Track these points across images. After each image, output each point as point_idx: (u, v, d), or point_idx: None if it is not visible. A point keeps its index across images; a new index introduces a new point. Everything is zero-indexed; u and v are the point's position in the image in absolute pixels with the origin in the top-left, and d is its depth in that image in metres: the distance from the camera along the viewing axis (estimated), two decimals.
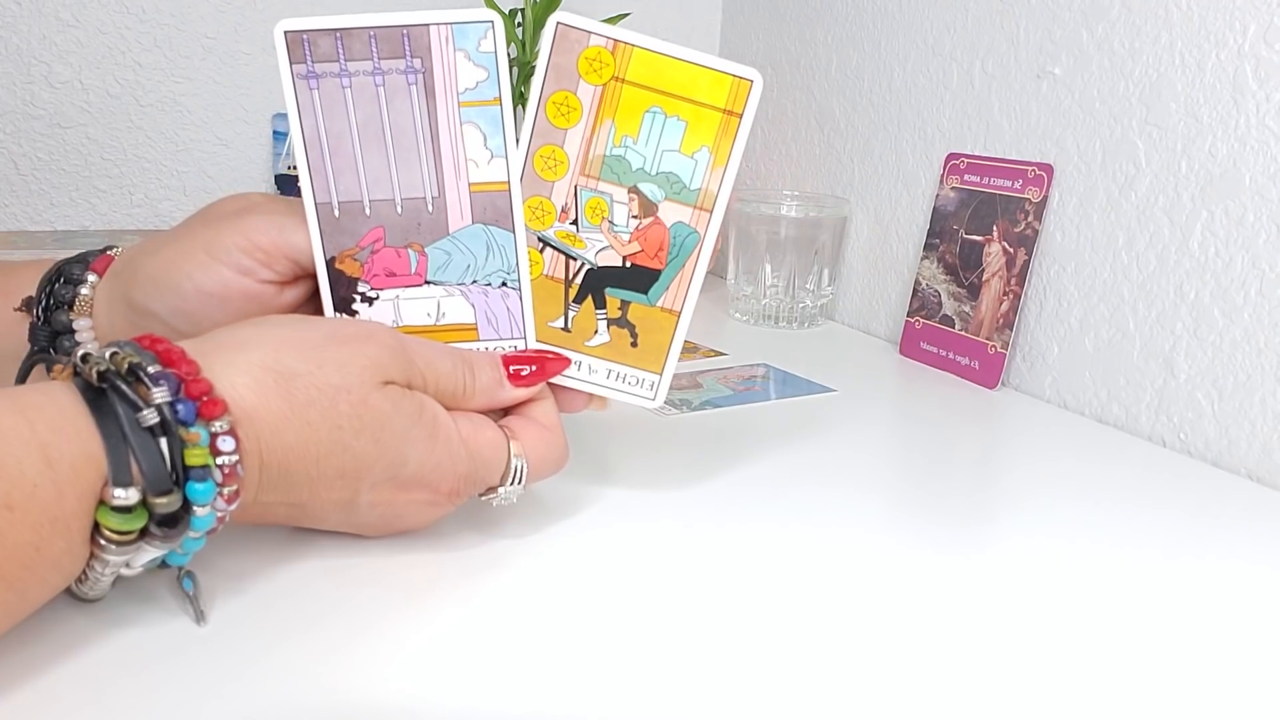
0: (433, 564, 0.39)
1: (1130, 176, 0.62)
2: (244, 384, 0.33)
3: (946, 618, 0.38)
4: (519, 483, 0.40)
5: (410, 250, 0.39)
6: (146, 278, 0.41)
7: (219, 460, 0.32)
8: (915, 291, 0.76)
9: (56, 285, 0.43)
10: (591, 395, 0.43)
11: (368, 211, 0.39)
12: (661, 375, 0.40)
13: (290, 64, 0.37)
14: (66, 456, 0.29)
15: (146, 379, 0.31)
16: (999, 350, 0.68)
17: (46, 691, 0.30)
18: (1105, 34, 0.63)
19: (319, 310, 0.41)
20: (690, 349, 0.76)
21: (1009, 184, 0.69)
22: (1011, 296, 0.68)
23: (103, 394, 0.31)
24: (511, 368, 0.40)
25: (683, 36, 1.07)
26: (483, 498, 0.40)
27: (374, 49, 0.37)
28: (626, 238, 0.40)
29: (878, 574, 0.41)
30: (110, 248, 0.44)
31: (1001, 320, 0.68)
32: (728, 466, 0.52)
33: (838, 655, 0.35)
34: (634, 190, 0.39)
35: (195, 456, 0.31)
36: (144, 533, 0.31)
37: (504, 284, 0.40)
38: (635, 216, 0.39)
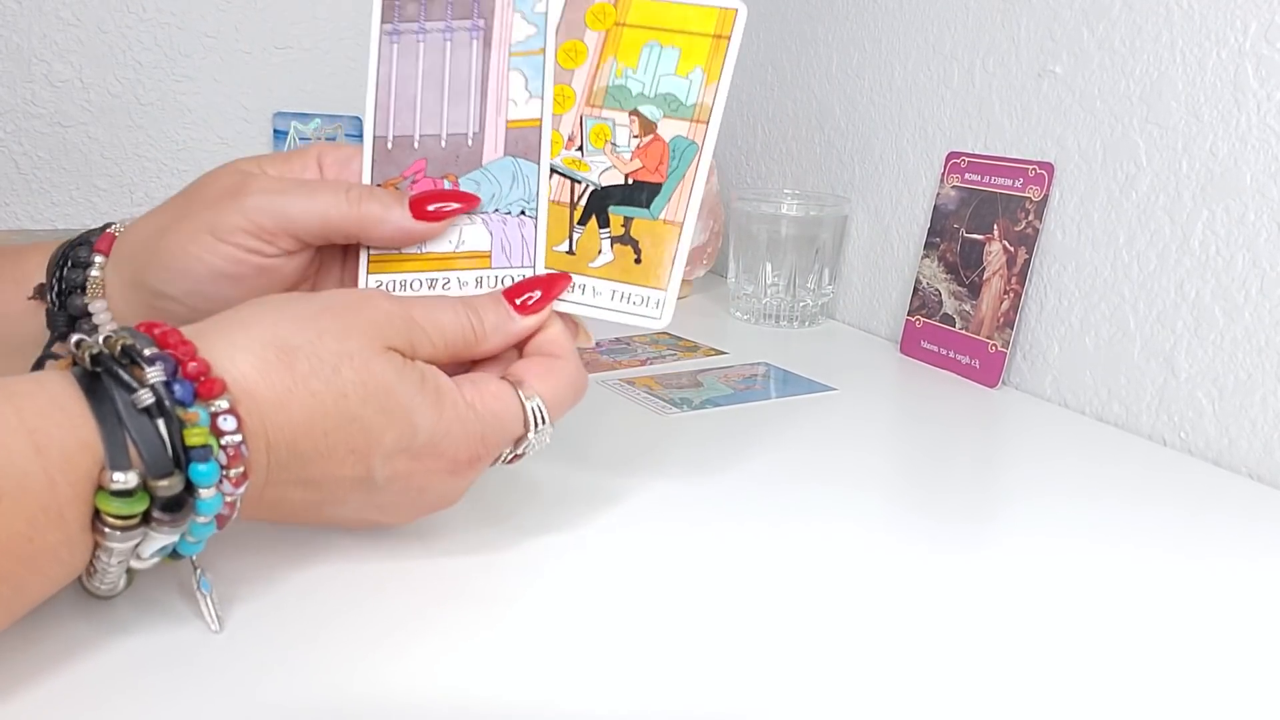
0: (442, 567, 0.39)
1: (1131, 175, 0.62)
2: (245, 361, 0.33)
3: (947, 616, 0.38)
4: (544, 423, 0.38)
5: (445, 180, 0.42)
6: (158, 263, 0.41)
7: (222, 441, 0.31)
8: (916, 290, 0.76)
9: (65, 270, 0.43)
10: (578, 327, 0.43)
11: (416, 145, 0.42)
12: (666, 291, 0.40)
13: (381, 22, 0.43)
14: (56, 442, 0.29)
15: (141, 361, 0.31)
16: (999, 349, 0.68)
17: (49, 698, 0.30)
18: (1106, 33, 0.63)
19: (326, 277, 0.44)
20: (690, 348, 0.76)
21: (1010, 183, 0.69)
22: (1012, 295, 0.68)
23: (98, 379, 0.31)
24: (516, 300, 0.40)
25: None
26: (516, 455, 0.39)
27: (449, 11, 0.43)
28: (628, 156, 0.41)
29: (878, 573, 0.41)
30: (109, 225, 0.44)
31: (1002, 319, 0.68)
32: (728, 465, 0.52)
33: (839, 654, 0.35)
34: (634, 113, 0.42)
35: (195, 436, 0.30)
36: (148, 519, 0.30)
37: (523, 212, 0.42)
38: (636, 136, 0.41)
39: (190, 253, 0.40)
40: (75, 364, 0.32)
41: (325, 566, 0.39)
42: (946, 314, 0.73)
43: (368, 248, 0.42)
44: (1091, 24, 0.64)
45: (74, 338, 0.32)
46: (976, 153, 0.73)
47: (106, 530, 0.30)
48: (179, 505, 0.31)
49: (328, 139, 0.94)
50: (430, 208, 0.41)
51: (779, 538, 0.44)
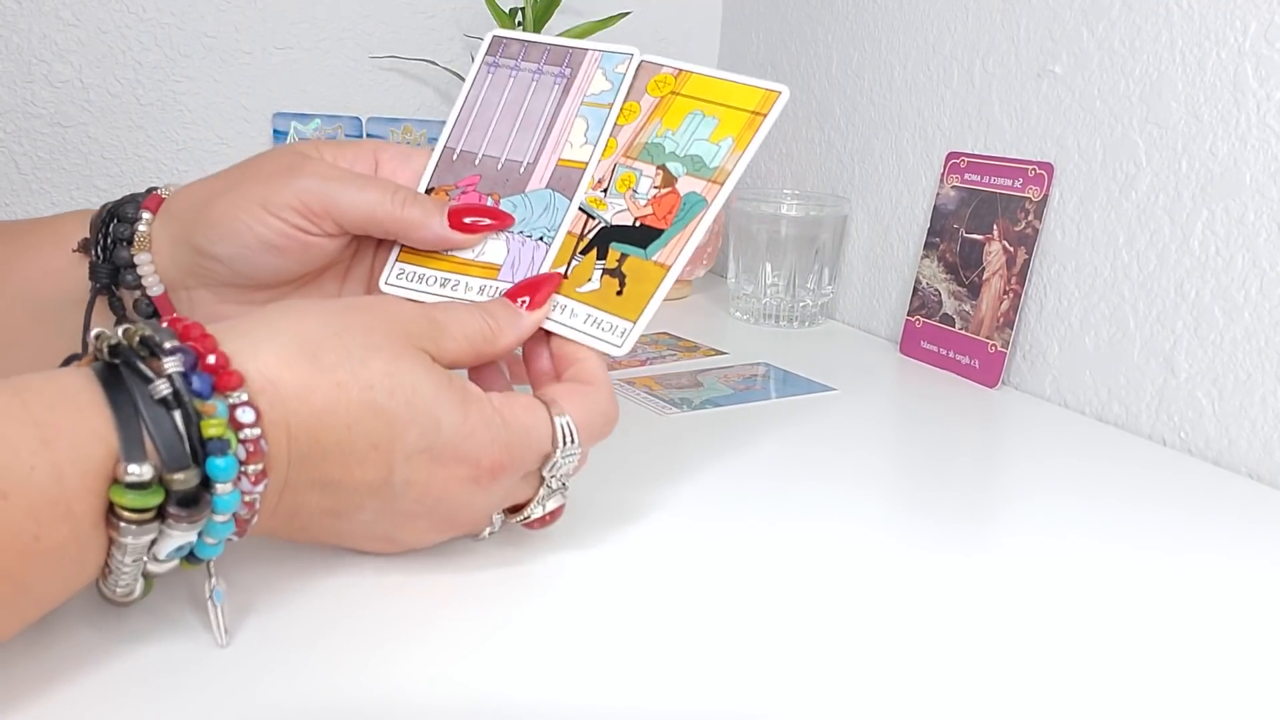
0: (440, 569, 0.39)
1: (1131, 175, 0.62)
2: (268, 352, 0.33)
3: (947, 616, 0.38)
4: (573, 442, 0.38)
5: (489, 198, 0.46)
6: (208, 223, 0.43)
7: (241, 434, 0.31)
8: (915, 290, 0.76)
9: (112, 225, 0.44)
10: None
11: (477, 162, 0.47)
12: (635, 324, 0.41)
13: (485, 54, 0.49)
14: (66, 434, 0.28)
15: (160, 353, 0.30)
16: (999, 349, 0.68)
17: (56, 706, 0.30)
18: (1106, 33, 0.63)
19: (360, 262, 0.47)
20: (690, 348, 0.76)
21: (1009, 183, 0.69)
22: (1012, 295, 0.68)
23: (116, 371, 0.30)
24: (516, 300, 0.42)
25: (683, 35, 1.07)
26: (545, 476, 0.39)
27: (544, 57, 0.48)
28: (643, 203, 0.44)
29: (878, 572, 0.41)
30: (154, 188, 0.46)
31: (1002, 319, 0.68)
32: (728, 465, 0.52)
33: (839, 653, 0.35)
34: (661, 167, 0.44)
35: (212, 428, 0.30)
36: (164, 515, 0.30)
37: (541, 238, 0.44)
38: (656, 187, 0.44)
39: (240, 219, 0.42)
40: (96, 360, 0.31)
41: (331, 578, 0.39)
42: (946, 314, 0.73)
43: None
44: (1091, 24, 0.64)
45: (94, 330, 0.32)
46: (976, 153, 0.73)
47: (120, 525, 0.29)
48: (195, 500, 0.30)
49: (328, 139, 0.94)
50: (466, 220, 0.44)
51: (779, 538, 0.44)
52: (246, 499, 0.32)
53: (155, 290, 0.44)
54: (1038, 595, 0.40)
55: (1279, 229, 0.54)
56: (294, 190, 0.42)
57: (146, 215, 0.44)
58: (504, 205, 0.45)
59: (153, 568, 0.31)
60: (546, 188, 0.45)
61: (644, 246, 0.43)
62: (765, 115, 0.44)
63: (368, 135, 0.95)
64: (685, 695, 0.32)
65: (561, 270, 0.43)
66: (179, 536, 0.30)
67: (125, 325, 0.32)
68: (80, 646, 0.33)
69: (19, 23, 0.85)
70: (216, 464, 0.30)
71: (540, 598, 0.38)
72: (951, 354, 0.72)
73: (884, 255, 0.83)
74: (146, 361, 0.30)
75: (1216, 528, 0.48)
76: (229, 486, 0.31)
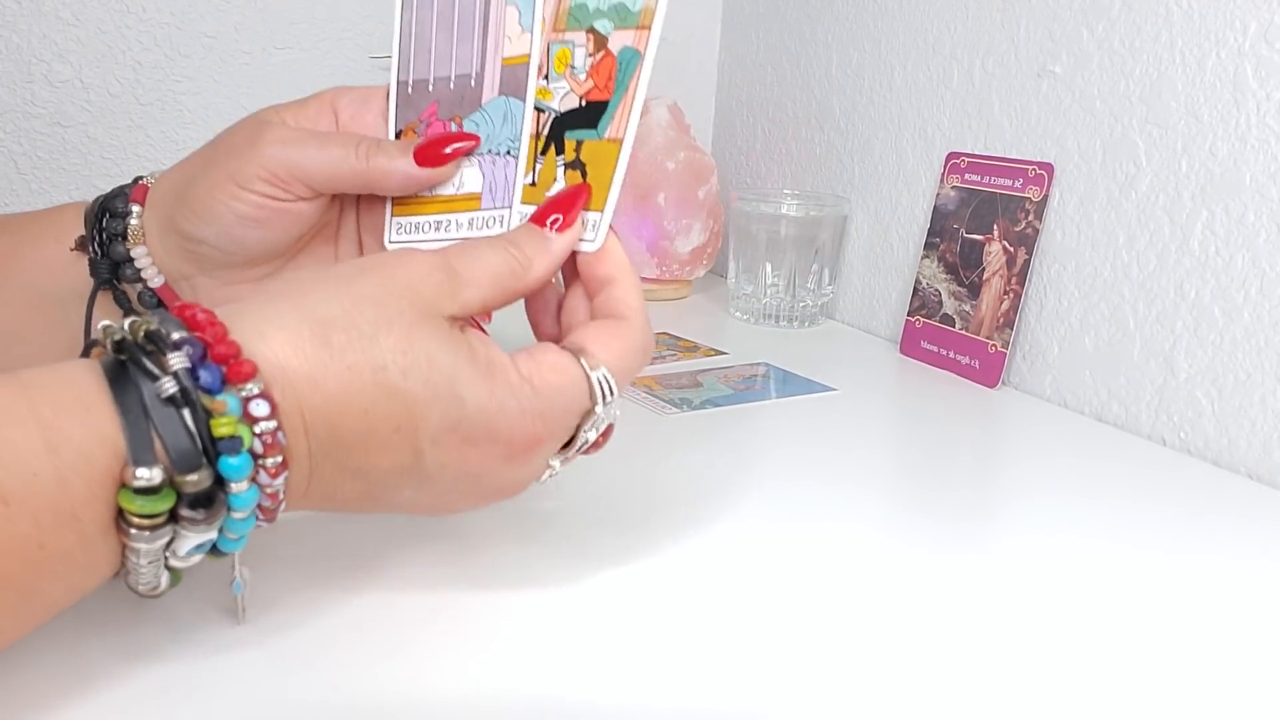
0: (438, 571, 0.39)
1: (1131, 175, 0.62)
2: (276, 337, 0.31)
3: (947, 615, 0.38)
4: (612, 395, 0.35)
5: (452, 123, 0.43)
6: (187, 207, 0.42)
7: (256, 429, 0.29)
8: (915, 290, 0.76)
9: (105, 221, 0.44)
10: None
11: (430, 89, 0.44)
12: (602, 214, 0.38)
13: None
14: (74, 440, 0.27)
15: (166, 347, 0.29)
16: (999, 349, 0.68)
17: (60, 699, 0.30)
18: (1105, 33, 0.63)
19: (347, 219, 0.46)
20: (690, 348, 0.76)
21: (1009, 183, 0.69)
22: (1012, 295, 0.68)
23: (124, 367, 0.29)
24: (548, 223, 0.38)
25: (683, 35, 1.07)
26: (591, 444, 0.37)
27: None
28: (583, 77, 0.40)
29: (878, 572, 0.41)
30: (140, 178, 0.45)
31: (1002, 319, 0.68)
32: (728, 465, 0.52)
33: (839, 653, 0.35)
34: (590, 30, 0.40)
35: (223, 426, 0.28)
36: (176, 517, 0.29)
37: (508, 151, 0.41)
38: (590, 55, 0.40)
39: (217, 199, 0.41)
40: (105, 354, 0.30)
41: (348, 578, 0.39)
42: (946, 314, 0.73)
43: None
44: (1091, 24, 0.64)
45: (102, 323, 0.30)
46: (976, 153, 0.73)
47: (131, 531, 0.28)
48: (210, 500, 0.29)
49: None
50: (435, 152, 0.42)
51: (779, 537, 0.44)
52: (268, 491, 0.30)
53: (156, 281, 0.44)
54: (1037, 595, 0.40)
55: (1279, 229, 0.54)
56: (259, 161, 0.41)
57: (136, 208, 0.44)
58: (467, 126, 0.43)
59: (175, 564, 0.30)
60: (500, 95, 0.42)
61: (594, 126, 0.40)
62: None
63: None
64: (686, 694, 0.32)
65: (530, 179, 0.40)
66: (196, 536, 0.29)
67: (132, 318, 0.30)
68: (88, 655, 0.33)
69: (19, 22, 0.85)
70: (230, 463, 0.29)
71: (536, 597, 0.38)
72: (951, 354, 0.72)
73: (884, 255, 0.83)
74: (153, 357, 0.29)
75: (1216, 528, 0.48)
76: (245, 484, 0.29)
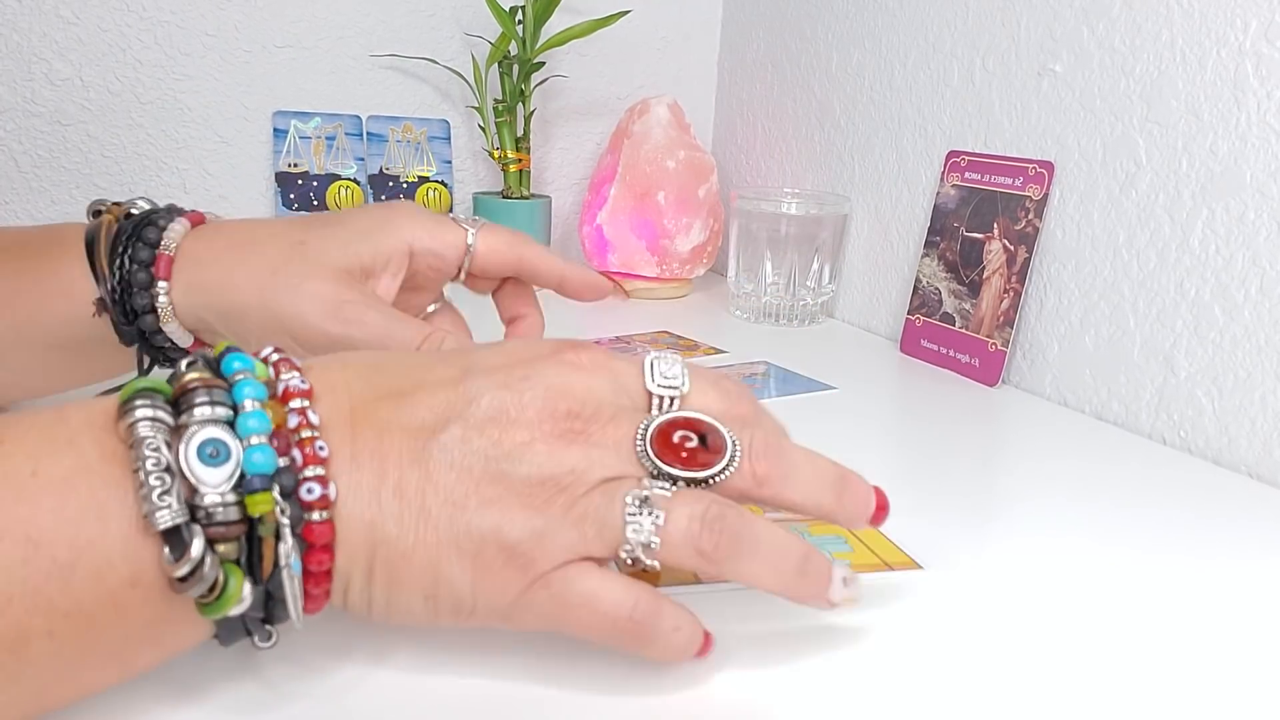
0: None
1: (1131, 174, 0.62)
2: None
3: (946, 615, 0.38)
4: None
5: None
6: (257, 324, 0.42)
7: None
8: (916, 289, 0.76)
9: (130, 295, 0.42)
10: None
11: None
12: None
13: None
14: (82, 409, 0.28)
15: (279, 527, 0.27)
16: (999, 348, 0.68)
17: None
18: (1106, 31, 0.63)
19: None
20: (690, 346, 0.76)
21: (1010, 181, 0.69)
22: (1012, 294, 0.68)
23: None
24: None
25: (683, 35, 1.07)
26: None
27: None
28: None
29: (877, 571, 0.41)
30: (158, 249, 0.43)
31: (1002, 318, 0.68)
32: None
33: (838, 652, 0.35)
34: None
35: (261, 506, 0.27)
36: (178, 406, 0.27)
37: None
38: None
39: (296, 320, 0.42)
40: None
41: None
42: (946, 313, 0.73)
43: None
44: (1091, 23, 0.64)
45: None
46: (976, 151, 0.73)
47: (134, 414, 0.26)
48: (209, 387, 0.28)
49: (327, 139, 0.94)
50: None
51: None
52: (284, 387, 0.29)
53: (186, 343, 0.44)
54: (1037, 593, 0.40)
55: (1279, 228, 0.54)
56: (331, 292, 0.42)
57: (162, 285, 0.42)
58: None
59: (204, 491, 0.26)
60: None
61: None
62: None
63: (368, 133, 0.95)
64: (683, 694, 0.32)
65: None
66: (202, 414, 0.27)
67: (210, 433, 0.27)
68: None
69: (19, 21, 0.85)
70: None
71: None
72: (952, 352, 0.72)
73: (884, 254, 0.83)
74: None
75: (1216, 526, 0.48)
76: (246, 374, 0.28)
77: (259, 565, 0.27)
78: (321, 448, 0.28)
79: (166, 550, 0.26)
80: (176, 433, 0.27)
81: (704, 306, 0.90)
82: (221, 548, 0.27)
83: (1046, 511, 0.48)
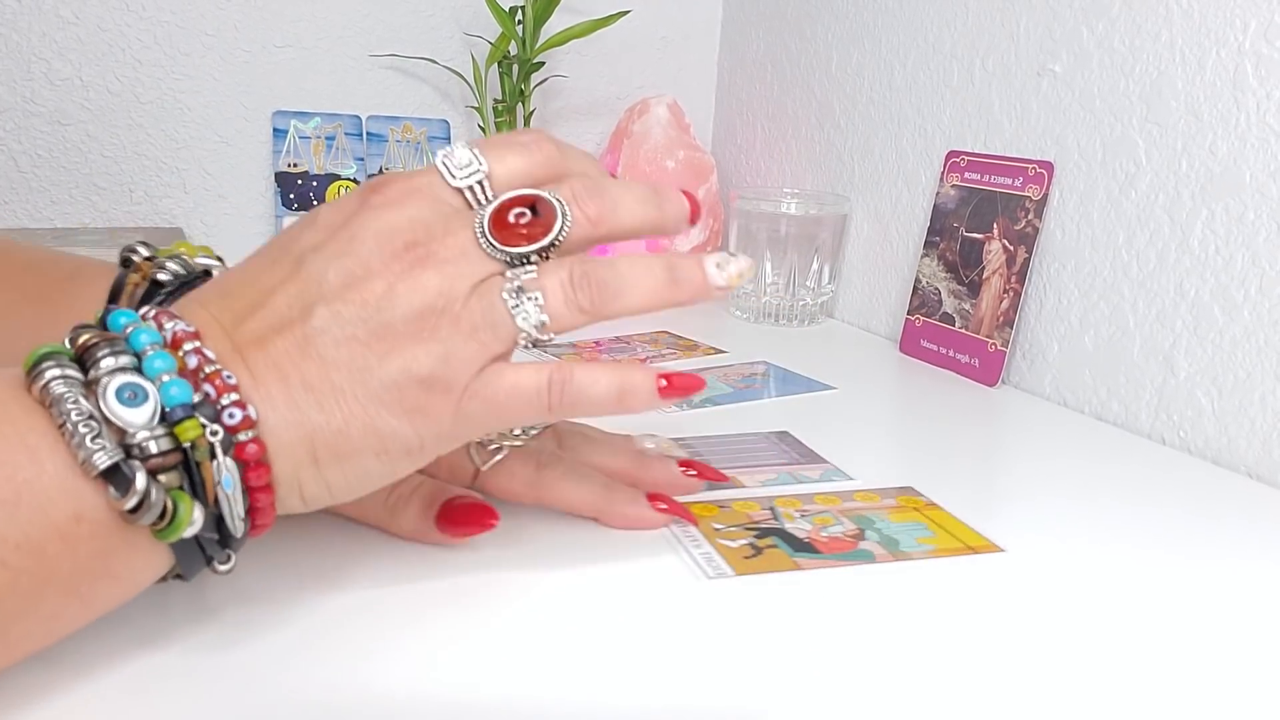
0: (435, 573, 0.39)
1: (1130, 174, 0.62)
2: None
3: (945, 615, 0.38)
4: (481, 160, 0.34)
5: None
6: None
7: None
8: (915, 289, 0.76)
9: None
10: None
11: None
12: None
13: None
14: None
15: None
16: (999, 348, 0.68)
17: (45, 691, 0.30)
18: (1106, 32, 0.63)
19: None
20: (690, 346, 0.76)
21: (1009, 181, 0.69)
22: (1011, 294, 0.68)
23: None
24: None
25: (682, 35, 1.07)
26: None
27: None
28: None
29: (877, 570, 0.41)
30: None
31: (1001, 318, 0.68)
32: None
33: (837, 652, 0.35)
34: None
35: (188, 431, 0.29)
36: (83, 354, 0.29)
37: None
38: None
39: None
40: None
41: (326, 581, 0.39)
42: (946, 313, 0.73)
43: None
44: (1091, 23, 0.64)
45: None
46: (976, 152, 0.73)
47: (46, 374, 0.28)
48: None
49: (327, 139, 0.94)
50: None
51: None
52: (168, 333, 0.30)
53: None
54: (1037, 593, 0.40)
55: (1279, 228, 0.54)
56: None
57: None
58: None
59: (133, 431, 0.28)
60: None
61: None
62: None
63: (368, 133, 0.95)
64: (682, 694, 0.32)
65: None
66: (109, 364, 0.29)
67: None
68: (76, 655, 0.33)
69: (18, 21, 0.85)
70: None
71: (533, 597, 0.38)
72: (951, 353, 0.72)
73: (884, 254, 0.83)
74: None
75: (1216, 526, 0.48)
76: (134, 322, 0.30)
77: (203, 491, 0.29)
78: (229, 376, 0.30)
79: (111, 489, 0.27)
80: (89, 387, 0.28)
81: (703, 306, 0.90)
82: (163, 477, 0.28)
83: (1046, 511, 0.48)
